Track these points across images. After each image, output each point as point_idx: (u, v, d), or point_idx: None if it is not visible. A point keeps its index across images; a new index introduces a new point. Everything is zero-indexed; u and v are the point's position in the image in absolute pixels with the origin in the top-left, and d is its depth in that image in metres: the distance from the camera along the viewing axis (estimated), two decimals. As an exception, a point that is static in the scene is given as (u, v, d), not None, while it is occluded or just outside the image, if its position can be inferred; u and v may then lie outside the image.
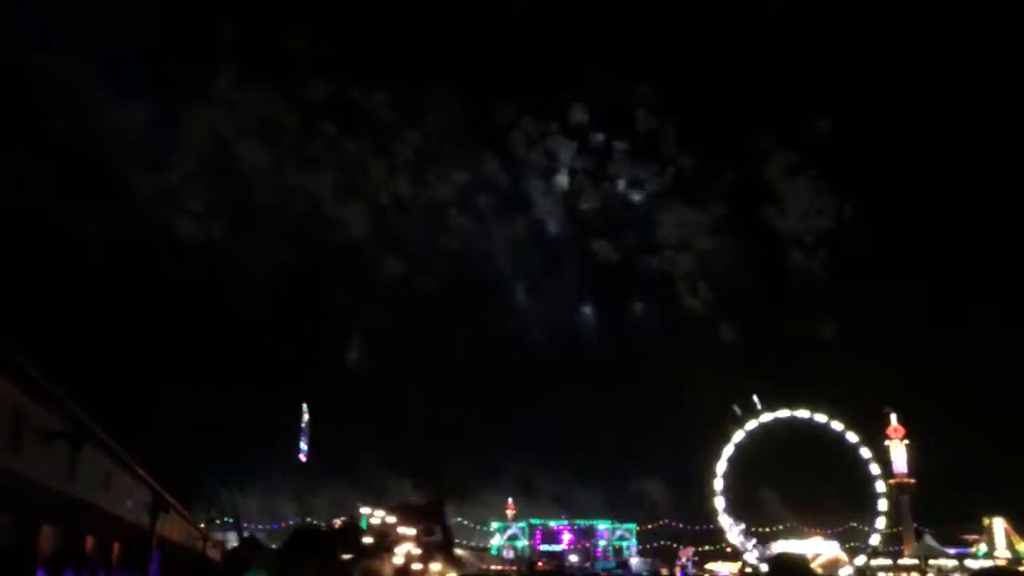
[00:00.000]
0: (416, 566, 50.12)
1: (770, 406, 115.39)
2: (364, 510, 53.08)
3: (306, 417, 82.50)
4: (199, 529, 41.71)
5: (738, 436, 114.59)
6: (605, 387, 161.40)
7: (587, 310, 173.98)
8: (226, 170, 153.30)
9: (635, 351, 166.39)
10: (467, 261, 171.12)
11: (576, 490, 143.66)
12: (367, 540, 52.09)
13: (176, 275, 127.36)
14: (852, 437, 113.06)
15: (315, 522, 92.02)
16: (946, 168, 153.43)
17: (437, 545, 59.79)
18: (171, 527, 33.00)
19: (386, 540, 51.82)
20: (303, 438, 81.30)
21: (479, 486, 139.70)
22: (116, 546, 23.71)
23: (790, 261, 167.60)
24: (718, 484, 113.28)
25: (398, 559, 47.57)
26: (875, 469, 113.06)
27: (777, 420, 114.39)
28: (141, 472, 24.59)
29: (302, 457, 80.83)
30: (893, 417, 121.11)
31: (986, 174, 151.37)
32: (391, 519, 53.27)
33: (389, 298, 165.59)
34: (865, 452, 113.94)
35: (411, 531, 53.11)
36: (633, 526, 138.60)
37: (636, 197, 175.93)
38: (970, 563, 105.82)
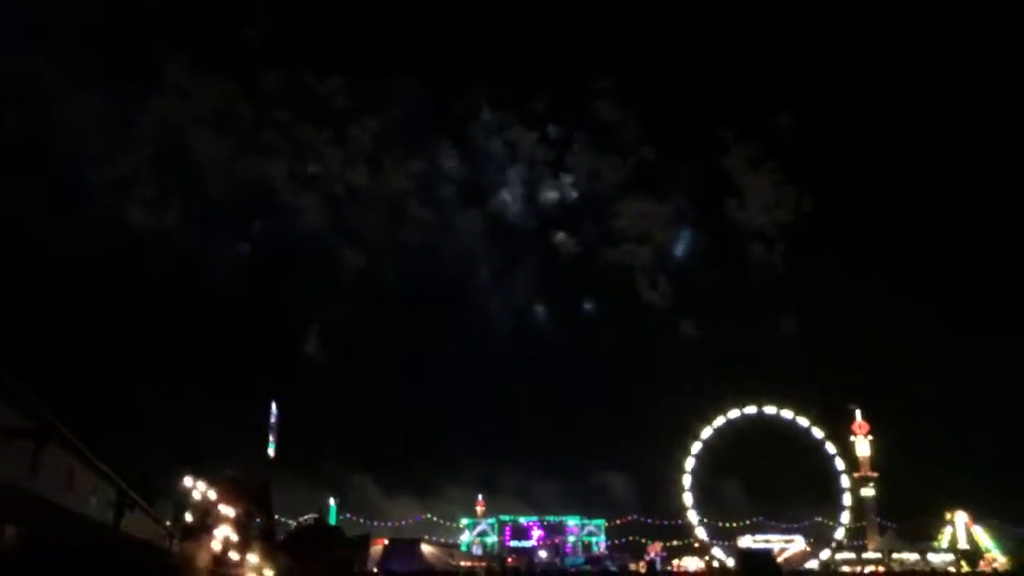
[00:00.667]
0: (233, 555, 44.04)
1: (736, 402, 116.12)
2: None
3: (275, 414, 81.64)
4: (165, 527, 41.11)
5: (706, 432, 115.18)
6: (567, 381, 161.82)
7: (547, 304, 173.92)
8: (180, 160, 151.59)
9: (596, 345, 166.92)
10: (426, 253, 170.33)
11: (542, 486, 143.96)
12: (188, 518, 46.44)
13: (133, 269, 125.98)
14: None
15: (282, 519, 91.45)
16: (907, 162, 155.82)
17: (256, 534, 53.72)
18: (137, 526, 32.56)
19: (207, 519, 44.81)
20: (272, 435, 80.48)
21: (445, 482, 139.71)
22: (80, 544, 23.33)
23: (751, 254, 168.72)
24: (686, 480, 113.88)
25: (216, 543, 41.58)
26: (840, 464, 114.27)
27: (744, 416, 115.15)
28: (105, 470, 24.22)
29: (271, 454, 79.95)
30: (858, 413, 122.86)
31: (947, 169, 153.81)
32: (212, 494, 45.06)
33: (347, 290, 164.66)
34: (831, 448, 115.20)
35: (232, 512, 45.72)
36: (602, 522, 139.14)
37: (596, 189, 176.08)
38: (932, 556, 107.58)
